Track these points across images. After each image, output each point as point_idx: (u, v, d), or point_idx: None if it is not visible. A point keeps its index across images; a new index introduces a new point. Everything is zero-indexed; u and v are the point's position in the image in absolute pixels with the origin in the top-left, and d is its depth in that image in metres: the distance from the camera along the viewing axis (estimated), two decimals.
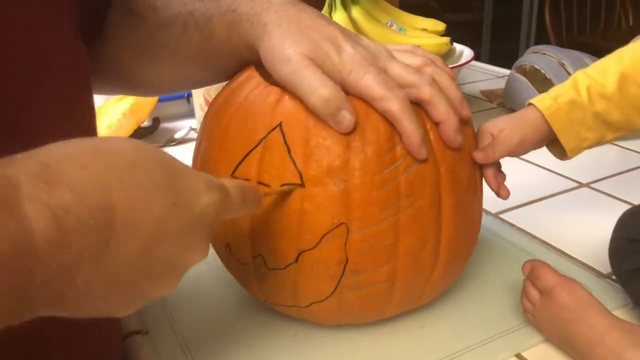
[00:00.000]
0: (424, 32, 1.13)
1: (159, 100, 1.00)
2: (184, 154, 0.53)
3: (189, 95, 1.08)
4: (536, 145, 0.58)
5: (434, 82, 0.46)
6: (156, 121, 1.02)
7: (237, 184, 0.38)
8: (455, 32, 1.13)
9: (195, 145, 0.53)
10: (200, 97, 0.99)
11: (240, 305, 0.57)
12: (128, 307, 0.32)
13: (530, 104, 0.59)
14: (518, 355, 0.50)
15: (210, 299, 0.58)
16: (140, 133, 0.98)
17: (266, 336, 0.53)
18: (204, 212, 0.33)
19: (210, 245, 0.52)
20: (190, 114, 1.08)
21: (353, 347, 0.51)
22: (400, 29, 1.08)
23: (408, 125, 0.43)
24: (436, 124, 0.46)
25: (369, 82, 0.44)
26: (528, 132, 0.56)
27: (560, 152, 0.59)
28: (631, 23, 2.63)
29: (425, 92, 0.45)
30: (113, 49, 0.55)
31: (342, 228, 0.44)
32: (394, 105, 0.43)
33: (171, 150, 0.95)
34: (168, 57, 0.54)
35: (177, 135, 0.99)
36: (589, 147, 0.58)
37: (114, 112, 0.96)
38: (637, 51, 0.57)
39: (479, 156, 0.51)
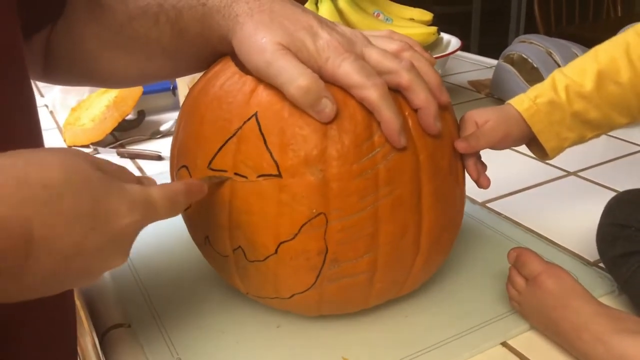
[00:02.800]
0: (411, 22, 1.12)
1: (144, 93, 0.99)
2: (170, 146, 0.52)
3: (175, 88, 1.06)
4: (517, 142, 0.57)
5: (412, 67, 0.45)
6: (141, 114, 1.01)
7: (166, 193, 0.40)
8: (443, 25, 1.12)
9: (173, 136, 0.52)
10: (186, 89, 0.98)
11: (223, 297, 0.56)
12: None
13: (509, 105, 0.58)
14: (504, 344, 0.50)
15: (193, 291, 0.57)
16: (124, 126, 0.96)
17: (250, 328, 0.52)
18: (124, 231, 0.36)
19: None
20: (176, 107, 1.06)
21: (337, 337, 0.50)
22: (387, 19, 1.07)
23: (387, 113, 0.42)
24: (415, 111, 0.45)
25: (347, 69, 0.43)
26: (512, 127, 0.56)
27: (541, 152, 0.58)
28: (620, 14, 2.64)
29: (404, 77, 0.44)
30: (77, 39, 0.54)
31: (320, 218, 0.43)
32: (373, 93, 0.42)
33: (157, 143, 0.94)
34: (138, 49, 0.53)
35: (163, 128, 0.98)
36: (570, 146, 0.58)
37: (97, 104, 0.95)
38: (612, 49, 0.56)
39: (461, 145, 0.50)
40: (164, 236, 0.66)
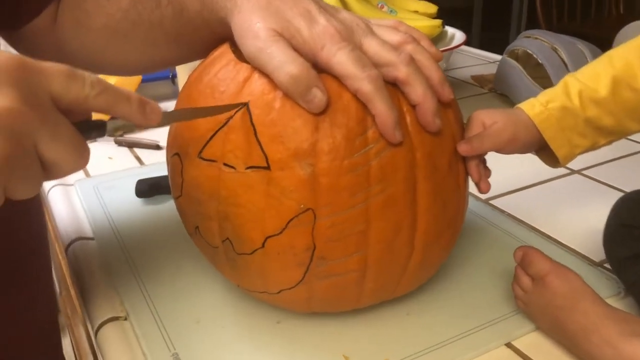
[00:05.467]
0: (415, 14, 1.11)
1: (143, 81, 0.97)
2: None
3: (174, 76, 1.05)
4: (525, 148, 0.55)
5: (411, 60, 0.43)
6: None
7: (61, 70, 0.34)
8: (445, 19, 1.11)
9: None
10: (185, 77, 0.96)
11: (222, 291, 0.55)
12: None
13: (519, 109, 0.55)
14: (508, 344, 0.49)
15: (192, 285, 0.56)
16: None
17: (250, 322, 0.51)
18: None
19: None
20: (175, 95, 1.04)
21: (338, 334, 0.49)
22: (391, 11, 1.06)
23: (381, 106, 0.40)
24: (413, 106, 0.43)
25: (341, 59, 0.41)
26: (521, 131, 0.53)
27: (552, 159, 0.56)
28: (622, 11, 2.63)
29: (402, 71, 0.42)
30: (84, 31, 0.53)
31: (308, 214, 0.41)
32: (367, 85, 0.40)
33: (155, 132, 0.93)
34: (142, 35, 0.52)
35: None
36: (581, 153, 0.55)
37: None
38: (628, 54, 0.54)
39: (463, 148, 0.47)
40: (162, 228, 0.65)
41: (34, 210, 0.52)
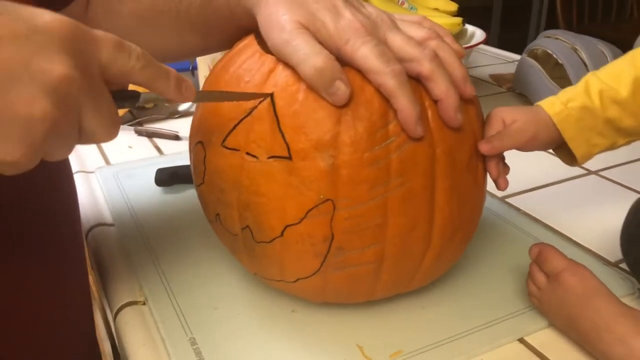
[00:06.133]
0: (436, 12, 1.11)
1: None
2: (188, 127, 0.51)
3: (194, 68, 1.06)
4: (545, 146, 0.55)
5: (435, 56, 0.43)
6: None
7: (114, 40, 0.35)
8: (464, 18, 1.11)
9: (194, 111, 0.52)
10: (206, 69, 0.97)
11: (240, 278, 0.55)
12: None
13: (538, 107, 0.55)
14: (521, 340, 0.49)
15: (210, 271, 0.56)
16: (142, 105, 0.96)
17: (266, 310, 0.52)
18: (47, 26, 0.31)
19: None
20: (195, 87, 1.06)
21: (352, 325, 0.50)
22: (411, 7, 1.06)
23: (404, 101, 0.41)
24: (435, 102, 0.43)
25: (365, 53, 0.41)
26: (541, 129, 0.53)
27: (570, 158, 0.56)
28: None
29: (425, 67, 0.42)
30: (114, 17, 0.54)
31: (328, 204, 0.41)
32: (390, 80, 0.41)
33: (174, 123, 0.94)
34: (169, 24, 0.53)
35: (181, 108, 0.97)
36: (600, 152, 0.55)
37: None
38: None
39: (484, 147, 0.47)
40: (181, 216, 0.66)
41: (65, 177, 0.52)
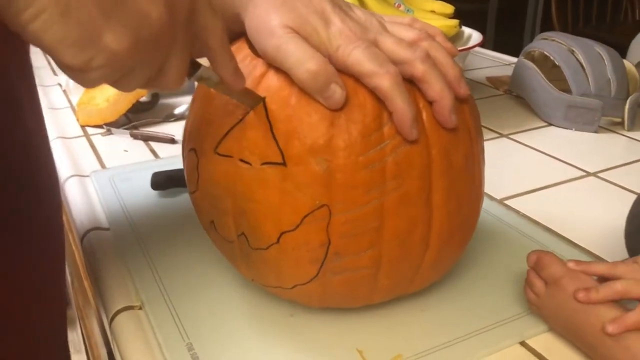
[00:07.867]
0: (432, 14, 1.11)
1: None
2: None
3: None
4: None
5: (427, 57, 0.42)
6: (155, 96, 0.99)
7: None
8: (460, 21, 1.10)
9: (187, 117, 0.51)
10: None
11: (237, 283, 0.55)
12: (80, 48, 0.30)
13: None
14: (522, 343, 0.48)
15: (207, 276, 0.56)
16: (138, 108, 0.95)
17: (264, 315, 0.51)
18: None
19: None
20: (190, 90, 1.04)
21: (351, 329, 0.49)
22: (407, 10, 1.05)
23: (399, 102, 0.40)
24: (430, 103, 0.43)
25: (358, 57, 0.40)
26: None
27: None
28: (638, 17, 2.61)
29: (418, 68, 0.42)
30: None
31: (324, 210, 0.41)
32: (385, 82, 0.40)
33: (170, 126, 0.93)
34: None
35: (177, 111, 0.97)
36: None
37: None
38: None
39: (580, 296, 0.45)
40: (177, 220, 0.65)
41: (52, 186, 0.52)
